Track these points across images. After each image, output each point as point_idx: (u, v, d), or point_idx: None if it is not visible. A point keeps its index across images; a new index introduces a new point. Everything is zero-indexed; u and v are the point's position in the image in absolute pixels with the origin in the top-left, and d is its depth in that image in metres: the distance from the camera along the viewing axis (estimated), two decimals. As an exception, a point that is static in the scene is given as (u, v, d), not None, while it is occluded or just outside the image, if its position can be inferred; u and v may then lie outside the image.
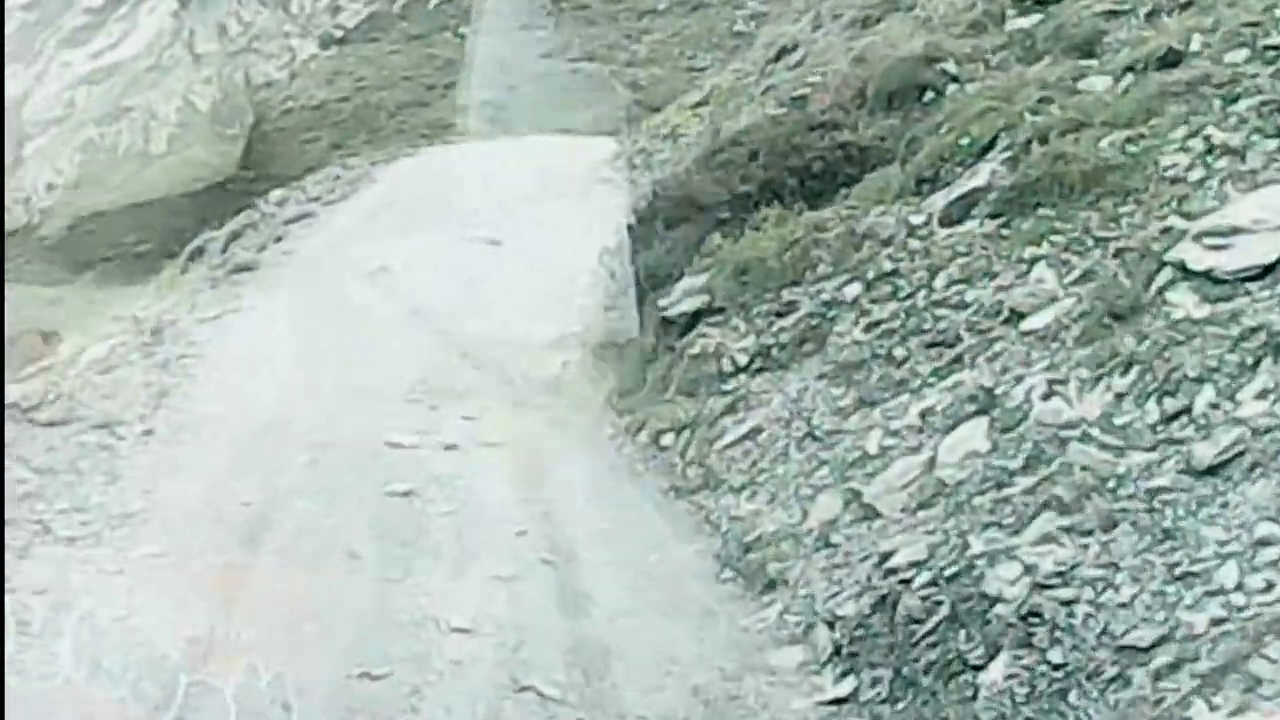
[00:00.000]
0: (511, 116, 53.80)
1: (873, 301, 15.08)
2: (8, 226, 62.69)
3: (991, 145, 16.73)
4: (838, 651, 10.52)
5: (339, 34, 74.08)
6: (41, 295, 44.68)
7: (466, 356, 21.77)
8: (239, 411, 18.48)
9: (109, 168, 65.81)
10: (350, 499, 14.95)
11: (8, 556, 12.08)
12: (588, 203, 29.23)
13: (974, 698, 9.13)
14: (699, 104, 33.00)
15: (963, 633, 9.50)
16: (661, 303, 18.56)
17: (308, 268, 26.81)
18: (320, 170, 40.60)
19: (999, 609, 9.39)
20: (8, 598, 10.87)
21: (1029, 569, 9.54)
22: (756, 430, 14.67)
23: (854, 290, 15.45)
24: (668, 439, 16.32)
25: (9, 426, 16.75)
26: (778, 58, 27.42)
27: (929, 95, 19.30)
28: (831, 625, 10.84)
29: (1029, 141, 16.04)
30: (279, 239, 29.45)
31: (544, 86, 57.92)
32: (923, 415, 12.91)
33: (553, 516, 14.52)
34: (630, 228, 21.55)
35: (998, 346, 13.29)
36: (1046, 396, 11.97)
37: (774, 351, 15.78)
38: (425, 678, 10.85)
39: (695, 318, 17.53)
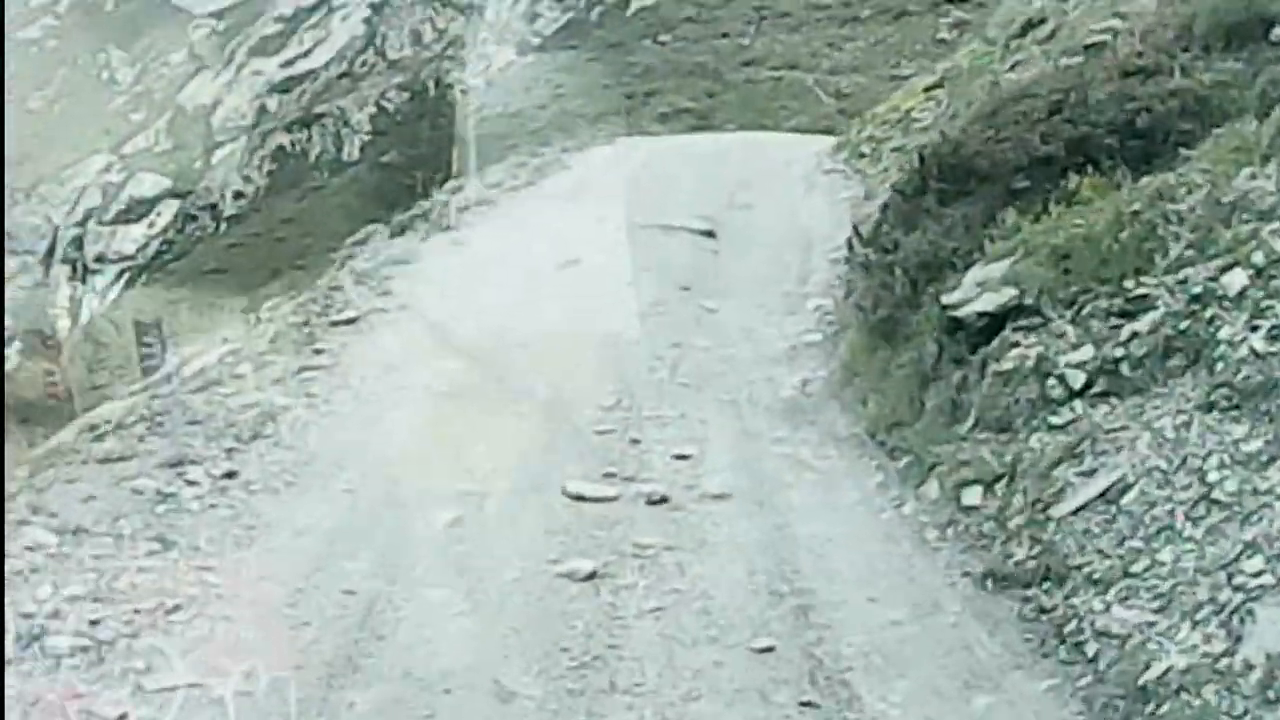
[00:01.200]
0: (712, 124, 56.47)
1: (1270, 297, 11.66)
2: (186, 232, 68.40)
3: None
4: None
5: (536, 41, 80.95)
6: (210, 301, 44.85)
7: (676, 371, 18.97)
8: (363, 444, 15.87)
9: (299, 174, 68.67)
10: (504, 593, 11.91)
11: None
12: (814, 191, 28.32)
13: None
14: (933, 87, 31.78)
15: None
16: (946, 299, 15.26)
17: (474, 264, 23.87)
18: (502, 161, 39.38)
19: None
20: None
21: None
22: (1119, 487, 11.09)
23: (1238, 280, 12.02)
24: (973, 495, 12.88)
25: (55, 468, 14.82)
26: (1023, 32, 25.62)
27: (1280, 30, 16.17)
28: None
29: None
30: (447, 228, 26.97)
31: (745, 94, 61.79)
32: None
33: (812, 622, 11.21)
34: (887, 206, 19.27)
35: None
36: None
37: (1124, 367, 12.51)
38: None
39: (998, 319, 14.35)
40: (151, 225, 79.38)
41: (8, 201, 71.37)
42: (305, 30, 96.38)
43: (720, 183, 29.74)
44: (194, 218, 73.33)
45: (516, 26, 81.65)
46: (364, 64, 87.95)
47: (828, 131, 45.34)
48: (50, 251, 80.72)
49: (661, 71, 66.74)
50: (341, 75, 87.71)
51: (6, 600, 10.52)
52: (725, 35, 69.77)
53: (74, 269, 79.33)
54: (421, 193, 36.51)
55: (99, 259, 79.52)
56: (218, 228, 70.31)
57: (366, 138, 75.68)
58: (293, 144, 77.92)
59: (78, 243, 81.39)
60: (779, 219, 25.71)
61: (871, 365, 17.09)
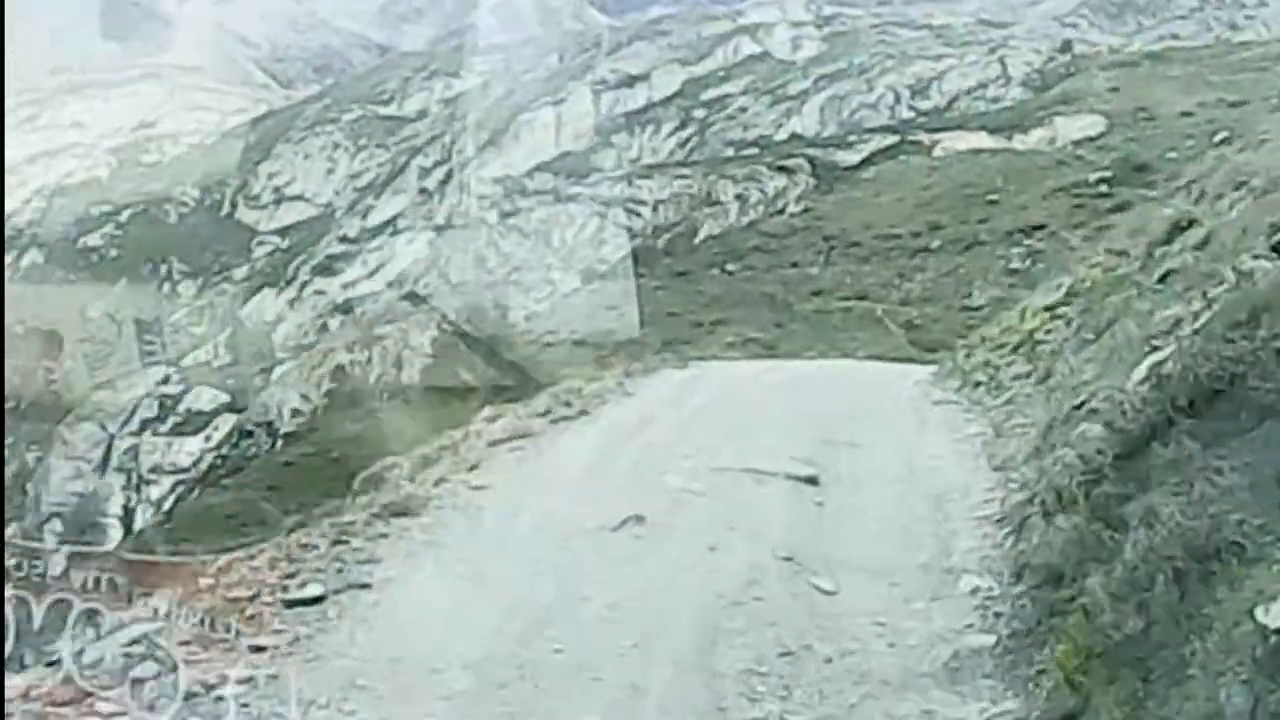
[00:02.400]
0: (782, 357, 53.89)
1: None
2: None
3: None
4: None
5: (602, 268, 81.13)
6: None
7: (788, 699, 12.61)
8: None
9: (358, 395, 68.24)
10: None
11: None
12: (928, 426, 23.06)
13: None
14: (1056, 305, 26.80)
15: None
16: (1264, 615, 8.84)
17: (497, 519, 17.17)
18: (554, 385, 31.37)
19: None
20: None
21: None
22: None
23: None
24: None
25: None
26: (1168, 238, 20.72)
27: None
28: None
29: None
30: (473, 467, 19.86)
31: (813, 324, 60.45)
32: None
33: None
34: (1099, 451, 12.88)
35: None
36: None
37: None
38: None
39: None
40: (208, 439, 79.34)
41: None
42: (369, 251, 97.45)
43: (814, 415, 24.20)
44: (250, 434, 72.68)
45: (583, 253, 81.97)
46: (427, 286, 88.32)
47: (907, 360, 42.36)
48: (105, 460, 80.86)
49: (729, 301, 66.08)
50: (404, 297, 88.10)
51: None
52: (794, 265, 69.83)
53: (128, 479, 79.02)
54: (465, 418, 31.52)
55: (154, 470, 79.24)
56: (274, 445, 69.39)
57: (428, 360, 74.86)
58: (352, 364, 77.35)
59: (133, 453, 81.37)
60: (895, 461, 20.13)
61: (1115, 711, 10.13)
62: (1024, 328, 27.64)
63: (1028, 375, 23.82)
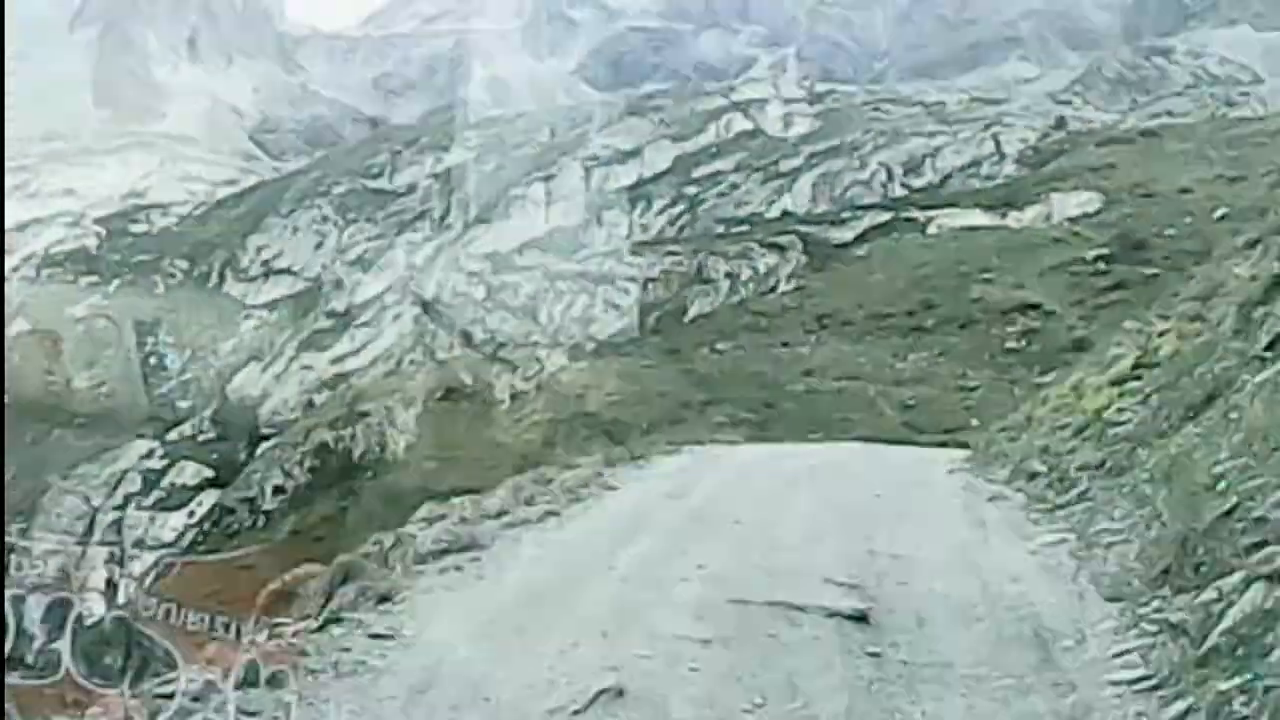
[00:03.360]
0: (772, 438, 51.90)
1: None
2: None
3: None
4: None
5: (590, 346, 79.69)
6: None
7: None
8: None
9: (341, 473, 66.73)
10: None
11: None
12: (988, 532, 17.44)
13: None
14: (1124, 379, 22.19)
15: None
16: None
17: (396, 692, 11.11)
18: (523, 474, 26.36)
19: None
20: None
21: None
22: None
23: None
24: None
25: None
26: (1265, 298, 17.32)
27: None
28: None
29: None
30: (383, 599, 13.86)
31: (805, 405, 58.07)
32: None
33: None
34: None
35: None
36: None
37: None
38: None
39: None
40: (191, 515, 78.17)
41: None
42: (357, 326, 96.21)
43: (843, 515, 18.62)
44: (232, 510, 71.24)
45: (571, 330, 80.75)
46: (412, 363, 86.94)
47: (908, 443, 40.48)
48: (88, 533, 79.46)
49: (719, 380, 63.84)
50: (389, 373, 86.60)
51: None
52: (785, 344, 67.91)
53: (111, 553, 77.68)
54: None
55: (137, 544, 78.06)
56: (255, 522, 67.94)
57: (412, 438, 73.27)
58: (336, 441, 75.87)
59: (116, 527, 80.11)
60: (963, 583, 14.20)
61: None
62: (1086, 406, 22.34)
63: (1100, 466, 18.22)
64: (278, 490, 71.96)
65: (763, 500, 21.11)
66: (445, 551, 15.89)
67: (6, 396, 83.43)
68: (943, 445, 51.69)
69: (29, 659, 11.85)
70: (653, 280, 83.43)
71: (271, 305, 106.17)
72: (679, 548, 16.10)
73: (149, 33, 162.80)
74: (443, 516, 18.66)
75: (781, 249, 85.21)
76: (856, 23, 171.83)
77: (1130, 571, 12.92)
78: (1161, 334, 22.57)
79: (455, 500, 20.86)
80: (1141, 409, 19.15)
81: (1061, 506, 17.73)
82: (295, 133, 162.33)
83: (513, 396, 74.80)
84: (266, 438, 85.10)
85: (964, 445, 35.02)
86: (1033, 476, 20.51)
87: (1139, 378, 21.23)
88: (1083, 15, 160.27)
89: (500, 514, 18.72)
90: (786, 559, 15.30)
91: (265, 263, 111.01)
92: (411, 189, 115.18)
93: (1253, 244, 23.35)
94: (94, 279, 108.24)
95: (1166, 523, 13.21)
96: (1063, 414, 23.57)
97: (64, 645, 9.22)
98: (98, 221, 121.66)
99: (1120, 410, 20.00)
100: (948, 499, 21.00)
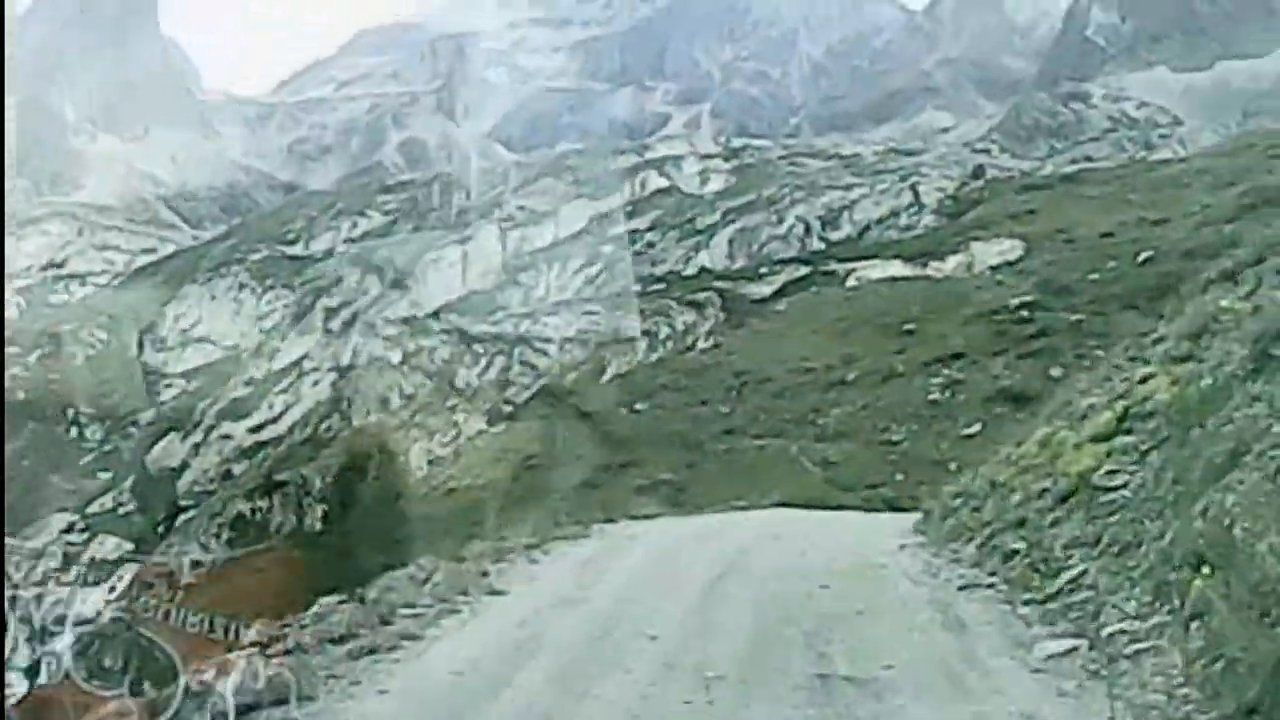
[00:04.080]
0: (693, 500, 49.22)
1: None
2: None
3: None
4: None
5: (508, 409, 77.18)
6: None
7: None
8: None
9: (259, 544, 64.95)
10: None
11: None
12: (973, 641, 13.37)
13: None
14: (1107, 435, 17.54)
15: None
16: None
17: None
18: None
19: None
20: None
21: None
22: None
23: None
24: None
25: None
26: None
27: None
28: None
29: None
30: None
31: (726, 464, 56.10)
32: None
33: None
34: None
35: None
36: None
37: None
38: None
39: None
40: (112, 590, 75.46)
41: None
42: (276, 394, 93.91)
43: (788, 621, 14.65)
44: (150, 585, 68.88)
45: (488, 394, 78.84)
46: (329, 430, 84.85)
47: (836, 507, 37.50)
48: (8, 609, 75.97)
49: (638, 441, 61.39)
50: (305, 441, 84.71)
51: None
52: (704, 402, 65.41)
53: (32, 630, 74.82)
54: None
55: (59, 621, 75.27)
56: (173, 597, 65.04)
57: (329, 507, 71.29)
58: (253, 511, 73.69)
59: (37, 602, 77.25)
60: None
61: None
62: (1067, 468, 17.06)
63: (1096, 544, 14.23)
64: (195, 564, 70.31)
65: (685, 601, 16.45)
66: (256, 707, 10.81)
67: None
68: (868, 503, 50.25)
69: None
70: (569, 340, 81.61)
71: (190, 374, 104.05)
72: (573, 688, 11.59)
73: (66, 103, 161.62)
74: (273, 640, 13.18)
75: (699, 306, 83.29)
76: (771, 77, 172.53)
77: (1190, 704, 9.19)
78: (1145, 379, 18.11)
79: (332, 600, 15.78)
80: (1139, 470, 15.11)
81: (1054, 596, 13.65)
82: (213, 200, 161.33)
83: (430, 463, 73.03)
84: (185, 509, 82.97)
85: (898, 508, 32.35)
86: (1009, 556, 16.24)
87: (1129, 431, 16.59)
88: (998, 63, 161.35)
89: (345, 637, 13.61)
90: (720, 695, 11.21)
91: (184, 331, 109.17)
92: (328, 254, 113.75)
93: (1229, 276, 20.68)
94: (15, 350, 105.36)
95: (1227, 627, 9.43)
96: (1035, 477, 18.52)
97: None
98: (18, 292, 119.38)
99: (1112, 473, 15.49)
100: (910, 589, 16.72)
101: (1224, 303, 18.30)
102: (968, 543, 18.78)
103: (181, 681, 9.65)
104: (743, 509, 36.77)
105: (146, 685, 10.31)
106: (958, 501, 22.53)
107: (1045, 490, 17.28)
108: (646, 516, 33.47)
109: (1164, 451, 14.50)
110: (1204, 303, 19.68)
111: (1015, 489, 18.99)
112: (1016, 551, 16.12)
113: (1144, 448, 15.60)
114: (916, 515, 26.19)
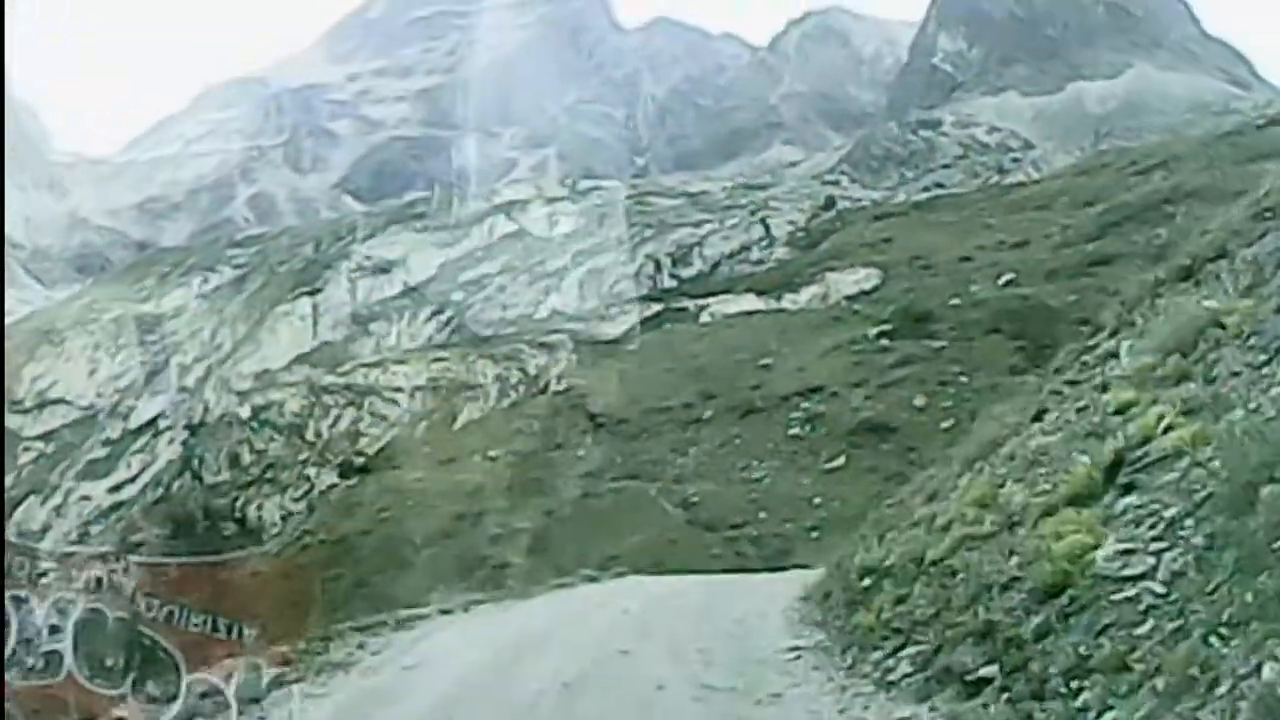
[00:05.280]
0: (553, 548, 49.06)
1: None
2: None
3: None
4: None
5: (359, 461, 73.36)
6: None
7: None
8: None
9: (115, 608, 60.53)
10: None
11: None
12: None
13: None
14: (1090, 495, 11.70)
15: None
16: None
17: None
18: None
19: None
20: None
21: None
22: None
23: None
24: None
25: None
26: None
27: None
28: None
29: None
30: None
31: (585, 510, 54.02)
32: None
33: None
34: None
35: None
36: None
37: None
38: None
39: None
40: None
41: None
42: (132, 454, 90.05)
43: None
44: (13, 654, 64.33)
45: (339, 446, 75.47)
46: (180, 488, 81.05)
47: (679, 569, 35.94)
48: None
49: (492, 489, 58.42)
50: (157, 501, 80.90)
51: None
52: (559, 446, 62.90)
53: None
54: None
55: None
56: (33, 666, 61.20)
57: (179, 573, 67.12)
58: (110, 575, 69.38)
59: None
60: None
61: None
62: (1049, 549, 10.89)
63: (1119, 669, 8.87)
64: (54, 630, 65.98)
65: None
66: None
67: None
68: (732, 542, 47.50)
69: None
70: (420, 389, 78.45)
71: (47, 436, 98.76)
72: None
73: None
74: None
75: (550, 348, 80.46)
76: (616, 118, 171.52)
77: None
78: (1124, 410, 12.80)
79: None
80: (1170, 551, 9.44)
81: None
82: (66, 260, 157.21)
83: (283, 518, 69.89)
84: (45, 574, 78.84)
85: (763, 547, 28.79)
86: (975, 687, 10.53)
87: (1128, 489, 11.04)
88: (845, 95, 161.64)
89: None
90: None
91: (40, 393, 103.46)
92: (180, 311, 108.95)
93: (1187, 274, 16.27)
94: None
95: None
96: (986, 555, 12.51)
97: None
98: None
99: (1124, 555, 9.78)
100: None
101: (1210, 303, 13.26)
102: (895, 654, 12.85)
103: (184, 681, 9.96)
104: (591, 580, 33.16)
105: (149, 684, 10.52)
106: (867, 582, 16.49)
107: (1013, 581, 11.13)
108: (486, 600, 27.33)
109: (1203, 526, 9.00)
110: (1181, 308, 14.65)
111: (957, 571, 12.87)
112: (987, 681, 10.21)
113: (1168, 517, 9.69)
114: (801, 577, 22.43)
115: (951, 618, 11.81)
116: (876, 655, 13.15)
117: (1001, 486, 14.14)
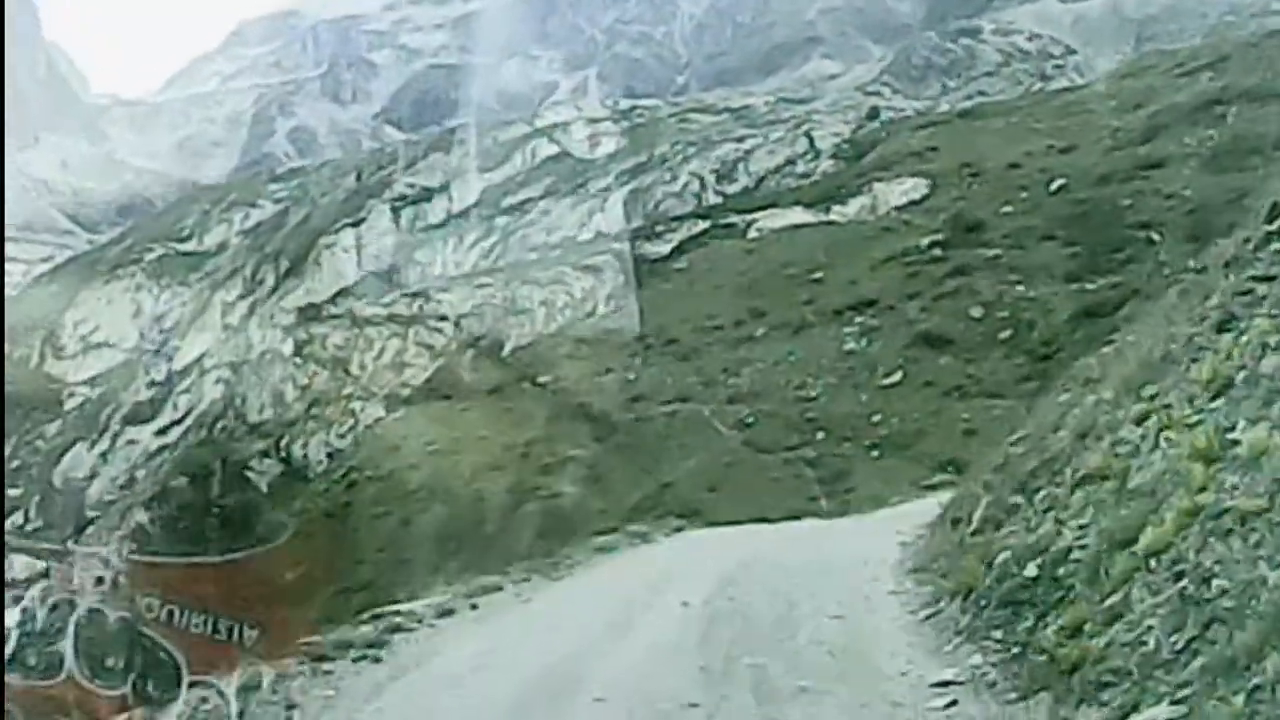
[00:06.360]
0: (605, 476, 48.04)
1: None
2: None
3: None
4: None
5: (406, 393, 71.68)
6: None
7: None
8: None
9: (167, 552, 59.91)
10: None
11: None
12: None
13: None
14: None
15: None
16: None
17: None
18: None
19: None
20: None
21: None
22: None
23: None
24: None
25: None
26: None
27: None
28: None
29: None
30: None
31: (637, 435, 51.99)
32: None
33: None
34: None
35: None
36: None
37: None
38: None
39: None
40: (25, 611, 69.63)
41: None
42: (179, 394, 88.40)
43: None
44: (56, 607, 62.64)
45: (384, 378, 73.33)
46: (224, 429, 79.16)
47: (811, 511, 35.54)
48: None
49: (542, 417, 57.05)
50: (201, 443, 79.07)
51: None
52: (609, 370, 60.52)
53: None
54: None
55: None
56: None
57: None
58: (153, 521, 68.25)
59: None
60: None
61: None
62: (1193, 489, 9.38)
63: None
64: (98, 580, 64.52)
65: None
66: None
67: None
68: (790, 464, 45.44)
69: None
70: (465, 316, 76.22)
71: (93, 381, 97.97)
72: None
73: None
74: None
75: (596, 270, 78.61)
76: (655, 37, 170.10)
77: None
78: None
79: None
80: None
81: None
82: (107, 203, 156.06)
83: (329, 455, 68.01)
84: (93, 521, 77.52)
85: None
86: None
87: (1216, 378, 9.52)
88: (882, 7, 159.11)
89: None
90: None
91: (83, 338, 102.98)
92: (222, 247, 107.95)
93: None
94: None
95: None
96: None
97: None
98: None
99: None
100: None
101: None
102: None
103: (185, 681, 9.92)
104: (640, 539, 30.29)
105: (150, 685, 10.41)
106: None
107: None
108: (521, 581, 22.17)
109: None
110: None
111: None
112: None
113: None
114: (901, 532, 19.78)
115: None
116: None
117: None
